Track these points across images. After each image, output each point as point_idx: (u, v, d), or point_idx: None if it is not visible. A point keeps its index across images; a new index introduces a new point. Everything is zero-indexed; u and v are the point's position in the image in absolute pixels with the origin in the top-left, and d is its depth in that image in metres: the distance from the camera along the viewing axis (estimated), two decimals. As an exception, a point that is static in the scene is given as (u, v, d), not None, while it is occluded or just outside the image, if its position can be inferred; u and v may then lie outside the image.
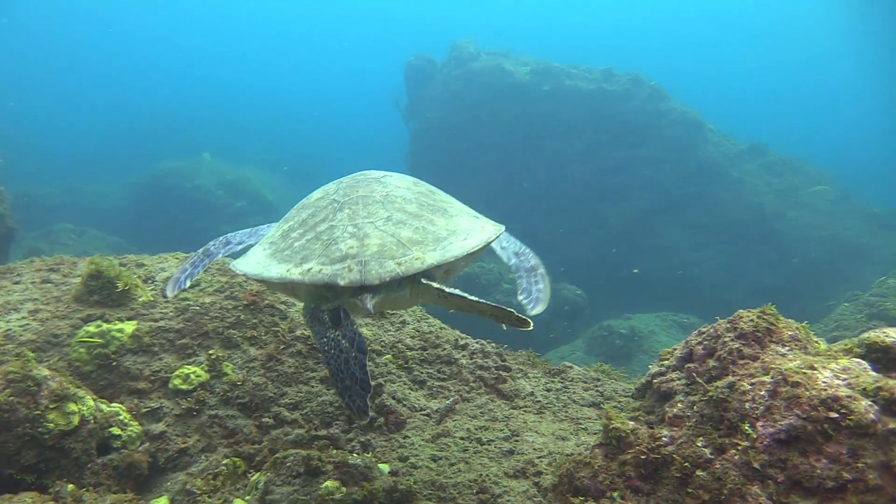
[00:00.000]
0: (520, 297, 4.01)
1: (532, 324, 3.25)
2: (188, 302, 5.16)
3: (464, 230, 3.59)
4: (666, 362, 3.63)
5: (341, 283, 3.15)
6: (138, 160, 34.10)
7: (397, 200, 3.70)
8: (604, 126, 22.50)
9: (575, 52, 29.11)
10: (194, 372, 4.79)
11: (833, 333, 13.09)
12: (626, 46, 65.90)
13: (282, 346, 5.06)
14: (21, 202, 26.29)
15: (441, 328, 5.70)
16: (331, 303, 3.38)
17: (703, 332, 3.48)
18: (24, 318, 4.78)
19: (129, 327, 4.87)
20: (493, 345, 5.62)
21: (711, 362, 3.30)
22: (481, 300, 3.17)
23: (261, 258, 3.53)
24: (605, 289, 20.37)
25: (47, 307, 4.92)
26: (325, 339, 3.34)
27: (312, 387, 4.89)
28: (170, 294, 3.98)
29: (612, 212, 21.96)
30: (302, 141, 54.37)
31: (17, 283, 5.22)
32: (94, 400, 4.26)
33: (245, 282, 5.47)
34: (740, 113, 56.92)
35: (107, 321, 4.83)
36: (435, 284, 3.26)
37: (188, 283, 4.00)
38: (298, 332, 5.16)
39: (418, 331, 5.55)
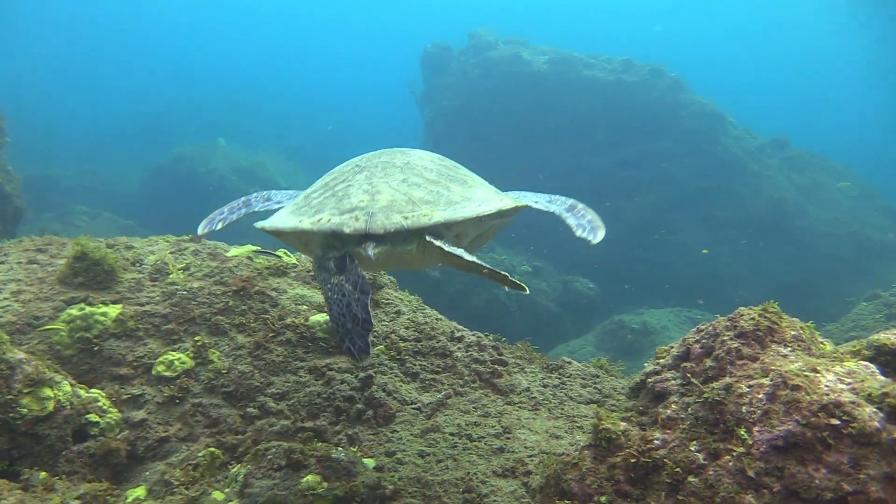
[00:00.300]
0: (578, 234, 4.08)
1: (528, 289, 3.34)
2: (176, 286, 5.02)
3: (479, 199, 3.66)
4: (662, 361, 3.42)
5: (346, 230, 3.30)
6: (158, 144, 34.19)
7: (417, 167, 3.82)
8: (622, 118, 22.10)
9: (592, 42, 28.62)
10: (179, 358, 4.65)
11: (850, 334, 12.80)
12: (647, 39, 65.22)
13: (271, 335, 4.91)
14: (38, 184, 26.45)
15: (437, 319, 5.49)
16: (338, 251, 3.49)
17: (702, 330, 3.28)
18: (5, 298, 4.65)
19: (114, 311, 4.73)
20: (490, 337, 5.41)
21: (708, 362, 3.09)
22: (480, 262, 3.25)
23: (282, 216, 3.72)
24: (618, 283, 20.08)
25: (31, 288, 4.79)
26: (330, 286, 3.47)
27: (301, 377, 4.73)
28: (200, 231, 3.99)
29: (627, 206, 21.60)
30: (317, 127, 54.33)
31: (2, 262, 5.10)
32: (72, 385, 4.13)
33: (236, 266, 5.33)
34: (757, 107, 56.20)
35: (90, 304, 4.70)
36: (437, 242, 3.31)
37: (220, 226, 3.99)
38: (289, 321, 5.01)
39: (413, 321, 5.35)
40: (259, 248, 5.71)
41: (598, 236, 3.99)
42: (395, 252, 3.43)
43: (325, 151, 39.06)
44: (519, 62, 23.06)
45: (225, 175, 26.00)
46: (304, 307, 5.16)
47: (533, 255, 19.19)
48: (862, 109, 69.31)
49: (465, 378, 4.96)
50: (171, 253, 5.34)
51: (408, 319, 5.36)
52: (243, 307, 5.03)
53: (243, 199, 4.21)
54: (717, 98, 23.04)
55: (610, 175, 21.82)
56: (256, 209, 4.16)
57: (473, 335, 5.34)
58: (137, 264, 5.20)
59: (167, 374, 4.58)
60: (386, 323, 5.28)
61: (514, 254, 19.07)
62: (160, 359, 4.62)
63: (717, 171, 21.39)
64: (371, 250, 3.29)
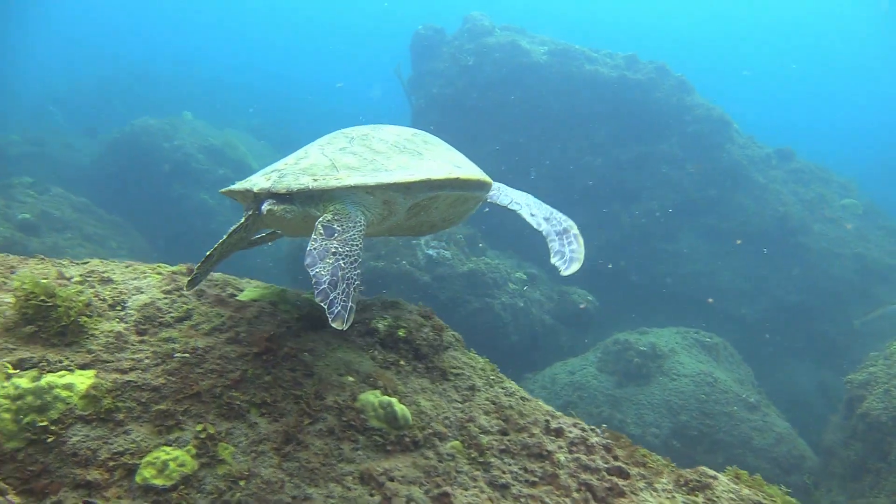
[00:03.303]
0: (553, 260, 4.12)
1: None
2: (174, 344, 3.55)
3: (417, 167, 3.52)
4: None
5: (255, 189, 3.40)
6: (114, 114, 31.98)
7: (371, 140, 3.69)
8: (623, 117, 20.84)
9: (592, 40, 27.32)
10: (176, 458, 3.18)
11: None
12: (645, 42, 64.35)
13: (306, 421, 3.47)
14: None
15: (524, 399, 4.06)
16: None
17: None
18: (-83, 364, 3.13)
19: (83, 381, 3.24)
20: (598, 431, 3.99)
21: None
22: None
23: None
24: (614, 294, 18.91)
25: (-42, 344, 3.27)
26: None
27: (349, 488, 3.30)
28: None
29: (625, 211, 20.41)
30: (295, 109, 52.38)
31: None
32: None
33: (256, 317, 3.86)
34: (762, 115, 55.81)
35: (47, 369, 3.21)
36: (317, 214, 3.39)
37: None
38: (329, 400, 3.57)
39: (494, 402, 3.91)
40: (276, 286, 4.24)
41: (572, 269, 4.03)
42: (310, 215, 3.40)
43: (301, 132, 37.25)
44: (517, 51, 21.56)
45: (191, 153, 23.91)
46: (351, 379, 3.73)
47: (526, 261, 17.89)
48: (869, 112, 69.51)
49: (574, 495, 3.57)
50: (164, 292, 3.84)
51: (487, 399, 3.92)
52: (267, 377, 3.57)
53: None
54: (719, 103, 21.97)
55: (608, 177, 20.58)
56: None
57: (575, 426, 3.91)
58: (118, 307, 3.70)
59: (158, 482, 3.11)
60: (459, 405, 3.84)
61: (505, 257, 17.75)
62: (148, 457, 3.14)
63: (721, 180, 20.32)
64: (265, 206, 3.34)
